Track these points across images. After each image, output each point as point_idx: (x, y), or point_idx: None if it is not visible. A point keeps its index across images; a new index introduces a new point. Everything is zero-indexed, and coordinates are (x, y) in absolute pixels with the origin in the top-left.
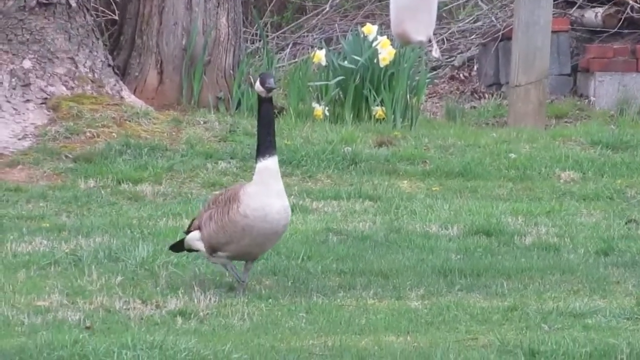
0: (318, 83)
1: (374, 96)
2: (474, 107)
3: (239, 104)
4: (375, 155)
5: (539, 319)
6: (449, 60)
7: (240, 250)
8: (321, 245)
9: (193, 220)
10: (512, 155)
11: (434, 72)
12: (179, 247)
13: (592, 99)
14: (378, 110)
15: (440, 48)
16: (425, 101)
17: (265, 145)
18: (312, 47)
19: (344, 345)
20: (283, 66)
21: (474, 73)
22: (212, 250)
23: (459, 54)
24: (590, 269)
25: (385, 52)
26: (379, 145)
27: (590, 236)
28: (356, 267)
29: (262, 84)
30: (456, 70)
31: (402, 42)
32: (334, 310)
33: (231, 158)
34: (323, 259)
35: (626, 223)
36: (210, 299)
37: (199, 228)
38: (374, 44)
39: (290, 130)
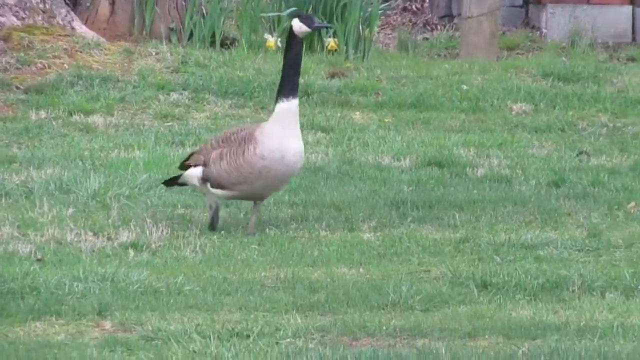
0: (270, 14)
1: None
2: (427, 39)
3: (190, 35)
4: (327, 87)
5: (491, 250)
6: None
7: (252, 191)
8: None
9: (191, 155)
10: (465, 87)
11: (387, 4)
12: (172, 182)
13: (544, 30)
14: (330, 42)
15: None
16: (378, 33)
17: (290, 86)
18: None
19: (296, 277)
20: None
21: (426, 4)
22: (220, 187)
23: None
24: (541, 200)
25: None
26: (331, 77)
27: (541, 168)
28: (309, 199)
29: (309, 24)
30: (408, 2)
31: None
32: (286, 242)
33: (183, 89)
34: (275, 191)
35: (577, 155)
36: (162, 231)
37: (204, 164)
38: None
39: (242, 62)
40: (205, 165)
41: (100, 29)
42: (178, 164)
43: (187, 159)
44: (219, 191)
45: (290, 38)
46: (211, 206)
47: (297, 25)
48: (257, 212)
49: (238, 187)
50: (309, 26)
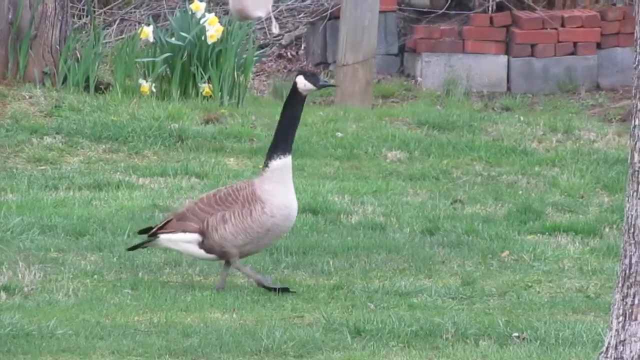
0: (145, 60)
1: (201, 73)
2: None
3: (64, 79)
4: (202, 133)
5: (365, 297)
6: (276, 38)
7: (251, 249)
8: (147, 221)
9: (168, 221)
10: (339, 134)
11: (262, 50)
12: (138, 247)
13: (419, 79)
14: (205, 88)
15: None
16: (253, 79)
17: (286, 142)
18: (140, 23)
19: (170, 321)
20: (110, 42)
21: (301, 52)
22: (224, 255)
23: (287, 32)
24: (416, 248)
25: (213, 29)
26: (206, 122)
27: (416, 215)
28: None
29: (314, 82)
30: (284, 49)
31: (240, 18)
32: (159, 287)
33: (57, 133)
34: None
35: (452, 203)
36: (34, 274)
37: (199, 232)
38: (201, 21)
39: (116, 106)
40: (201, 232)
41: None
42: (140, 231)
43: (162, 226)
44: (212, 256)
45: (293, 95)
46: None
47: (302, 83)
48: (227, 268)
49: (242, 249)
50: (314, 84)
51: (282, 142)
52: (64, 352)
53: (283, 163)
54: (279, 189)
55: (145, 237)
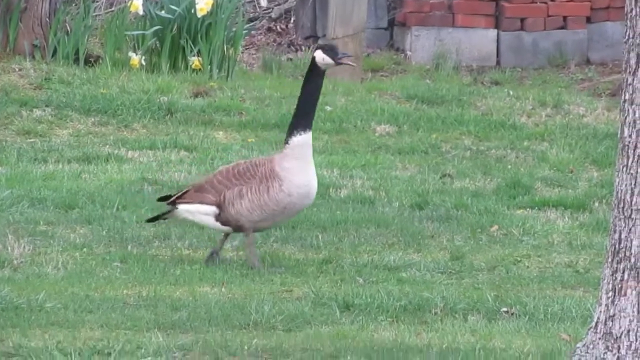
0: (135, 32)
1: (190, 46)
2: (291, 59)
3: (54, 51)
4: (191, 106)
5: (354, 271)
6: (266, 12)
7: (268, 226)
8: (136, 194)
9: (186, 191)
10: (328, 108)
11: (251, 24)
12: (157, 218)
13: (409, 53)
14: (195, 61)
15: None
16: (242, 52)
17: (306, 119)
18: None
19: (159, 295)
20: (100, 15)
21: (291, 25)
22: (239, 228)
23: (276, 5)
24: (405, 222)
25: (203, 3)
26: (195, 96)
27: (405, 190)
28: None
29: (333, 57)
30: (273, 22)
31: None
32: (148, 260)
33: (46, 106)
34: (138, 209)
35: (441, 177)
36: (24, 247)
37: (216, 204)
38: None
39: (106, 79)
40: (217, 205)
41: None
42: (159, 198)
43: (181, 195)
44: (227, 228)
45: (312, 70)
46: (251, 247)
47: (320, 57)
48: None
49: (257, 224)
50: (332, 58)
51: (302, 119)
52: (53, 325)
53: (304, 139)
54: (298, 166)
55: (162, 211)
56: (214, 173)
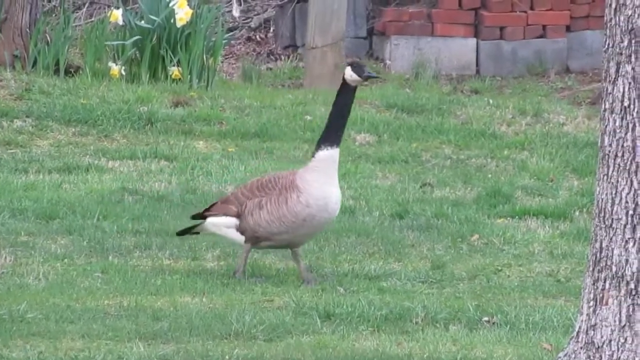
0: (114, 42)
1: (170, 56)
2: (270, 69)
3: (34, 62)
4: (171, 115)
5: (335, 281)
6: (245, 21)
7: (290, 240)
8: (117, 204)
9: (213, 204)
10: (308, 117)
11: (231, 33)
12: (186, 231)
13: (388, 62)
14: (174, 71)
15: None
16: (222, 62)
17: (335, 134)
18: (109, 6)
19: (140, 305)
20: (80, 25)
21: (270, 35)
22: (256, 240)
23: (255, 15)
24: (385, 231)
25: (182, 12)
26: (175, 106)
27: (385, 199)
28: (152, 227)
29: (360, 73)
30: (253, 32)
31: (203, 0)
32: (129, 270)
33: (27, 117)
34: (119, 219)
35: (421, 186)
36: (5, 258)
37: (237, 215)
38: (170, 4)
39: (86, 90)
40: (238, 216)
41: None
42: (192, 216)
43: (208, 208)
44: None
45: (342, 86)
46: (245, 255)
47: (349, 74)
48: (299, 258)
49: (276, 237)
50: (359, 75)
51: (331, 134)
52: (34, 335)
53: (330, 154)
54: (319, 179)
55: (192, 223)
56: (240, 186)
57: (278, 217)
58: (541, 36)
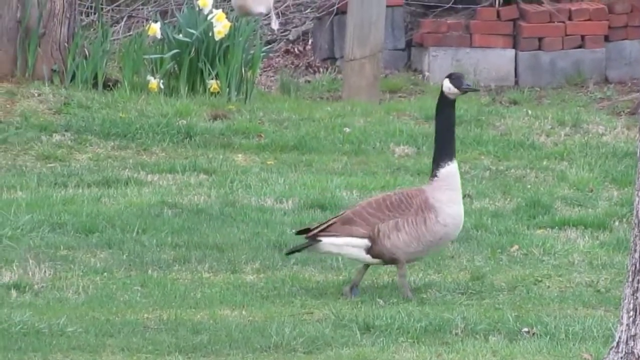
0: (153, 56)
1: (209, 69)
2: (309, 81)
3: (73, 76)
4: (210, 129)
5: (374, 293)
6: (284, 34)
7: (419, 256)
8: (156, 218)
9: (330, 224)
10: (347, 129)
11: (269, 46)
12: (297, 251)
13: (427, 73)
14: (213, 84)
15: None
16: (260, 75)
17: (449, 148)
18: (147, 20)
19: (179, 318)
20: (118, 39)
21: (308, 47)
22: (392, 260)
23: (294, 27)
24: None
25: (221, 26)
26: (213, 119)
27: None
28: (191, 240)
29: (458, 85)
30: (291, 44)
31: (242, 14)
32: (169, 284)
33: (65, 130)
34: (158, 232)
35: None
36: (45, 272)
37: (369, 237)
38: (209, 17)
39: (125, 103)
40: (369, 237)
41: None
42: (299, 231)
43: (324, 228)
44: (377, 261)
45: (441, 99)
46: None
47: (447, 87)
48: (403, 274)
49: (410, 256)
50: (457, 87)
51: (444, 149)
52: (74, 349)
53: (451, 169)
54: (450, 197)
55: (302, 244)
56: (361, 205)
57: (417, 237)
58: (580, 46)
